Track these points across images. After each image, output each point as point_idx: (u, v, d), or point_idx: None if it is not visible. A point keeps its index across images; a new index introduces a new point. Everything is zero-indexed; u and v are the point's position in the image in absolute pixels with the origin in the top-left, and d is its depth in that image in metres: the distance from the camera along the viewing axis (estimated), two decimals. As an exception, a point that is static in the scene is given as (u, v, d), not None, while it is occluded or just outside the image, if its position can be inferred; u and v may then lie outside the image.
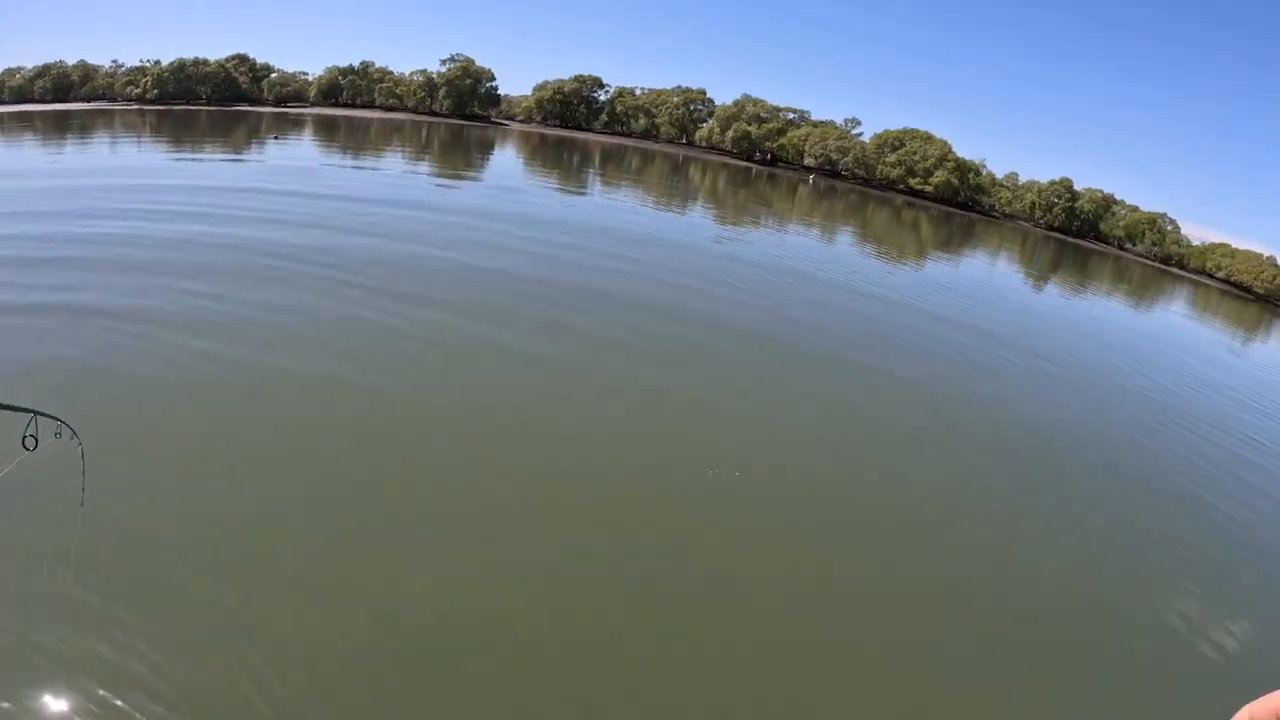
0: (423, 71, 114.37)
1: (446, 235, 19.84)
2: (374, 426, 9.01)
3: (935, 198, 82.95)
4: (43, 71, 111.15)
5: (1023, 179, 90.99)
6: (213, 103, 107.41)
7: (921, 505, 9.37)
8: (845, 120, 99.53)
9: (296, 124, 79.43)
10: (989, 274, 32.58)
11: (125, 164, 35.48)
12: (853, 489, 9.45)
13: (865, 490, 9.49)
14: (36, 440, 2.07)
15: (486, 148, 67.84)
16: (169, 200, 21.33)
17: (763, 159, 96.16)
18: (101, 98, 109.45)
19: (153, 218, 18.67)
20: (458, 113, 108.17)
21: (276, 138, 54.63)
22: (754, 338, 15.12)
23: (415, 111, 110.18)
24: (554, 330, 13.21)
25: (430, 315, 13.00)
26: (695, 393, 11.42)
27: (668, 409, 10.78)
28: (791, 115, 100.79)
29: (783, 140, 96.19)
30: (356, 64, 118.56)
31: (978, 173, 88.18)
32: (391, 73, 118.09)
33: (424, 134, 78.25)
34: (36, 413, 2.09)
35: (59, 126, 61.69)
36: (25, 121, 66.48)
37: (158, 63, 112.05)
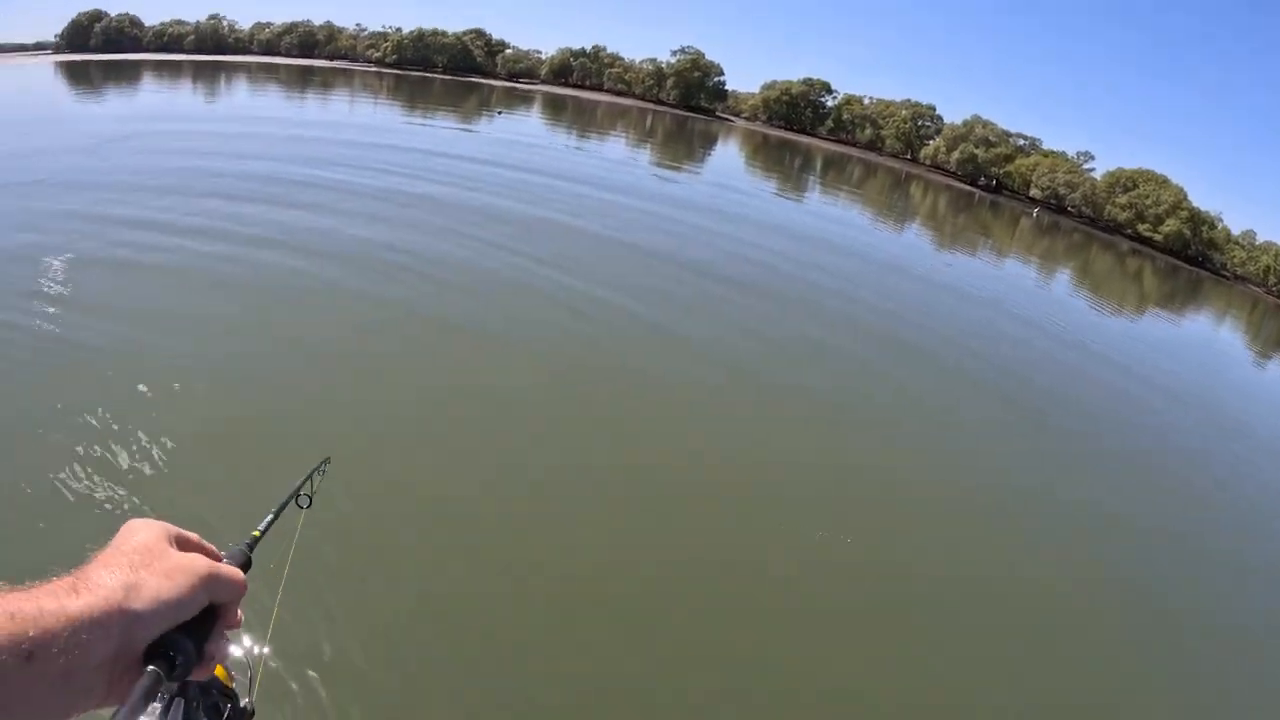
0: (652, 60, 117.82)
1: (649, 224, 20.60)
2: (523, 400, 9.33)
3: (1163, 248, 78.42)
4: (290, 29, 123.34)
5: (1260, 239, 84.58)
6: (447, 72, 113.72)
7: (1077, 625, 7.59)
8: (1078, 153, 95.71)
9: (525, 99, 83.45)
10: (1210, 340, 31.18)
11: (359, 121, 39.63)
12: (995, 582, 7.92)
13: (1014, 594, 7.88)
14: (311, 499, 1.90)
15: (709, 142, 69.40)
16: (391, 160, 23.90)
17: (987, 185, 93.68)
18: (343, 57, 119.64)
19: (366, 173, 20.94)
20: (683, 104, 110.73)
21: (501, 112, 57.75)
22: (936, 369, 14.18)
23: (642, 98, 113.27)
24: (734, 334, 13.23)
25: (615, 300, 13.42)
26: (851, 423, 10.94)
27: (822, 436, 10.21)
28: (1021, 142, 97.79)
29: (1009, 168, 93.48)
30: (588, 47, 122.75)
31: (1212, 226, 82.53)
32: (622, 59, 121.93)
33: (649, 122, 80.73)
34: (311, 475, 1.97)
35: (302, 80, 67.24)
36: (271, 72, 73.26)
37: (399, 30, 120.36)
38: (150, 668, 0.82)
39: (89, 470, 6.38)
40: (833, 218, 32.65)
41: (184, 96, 45.79)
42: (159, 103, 41.27)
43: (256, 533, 1.41)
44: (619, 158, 40.54)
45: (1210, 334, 33.09)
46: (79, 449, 6.63)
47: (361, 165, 22.06)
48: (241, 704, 1.40)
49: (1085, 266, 44.96)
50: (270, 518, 1.55)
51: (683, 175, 37.93)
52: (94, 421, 7.07)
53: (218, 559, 1.05)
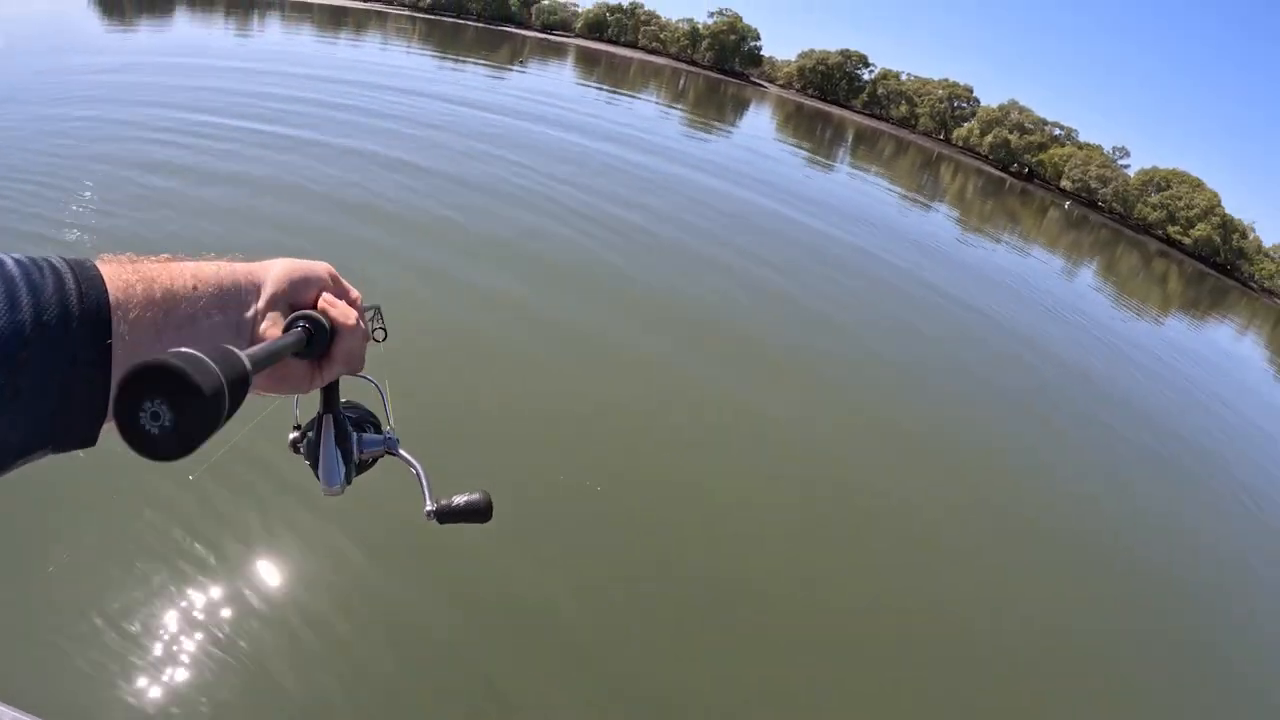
0: (690, 20, 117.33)
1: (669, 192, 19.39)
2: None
3: (1192, 252, 77.25)
4: None
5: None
6: (481, 20, 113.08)
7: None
8: (1113, 148, 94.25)
9: (558, 52, 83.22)
10: (1230, 348, 30.44)
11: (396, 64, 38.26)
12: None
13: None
14: (385, 331, 1.73)
15: (741, 106, 68.52)
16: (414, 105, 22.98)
17: (1019, 172, 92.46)
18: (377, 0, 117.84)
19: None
20: (717, 66, 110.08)
21: (523, 63, 56.68)
22: (937, 352, 13.07)
23: (676, 59, 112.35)
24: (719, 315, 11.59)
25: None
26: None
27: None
28: (1058, 131, 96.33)
29: (1042, 156, 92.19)
30: (625, 3, 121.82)
31: (1244, 235, 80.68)
32: (659, 17, 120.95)
33: (681, 82, 79.74)
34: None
35: (335, 21, 66.39)
36: (305, 12, 72.02)
37: None
38: (296, 328, 0.95)
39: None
40: (857, 189, 32.04)
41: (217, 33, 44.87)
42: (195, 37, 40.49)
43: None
44: (651, 115, 39.74)
45: (1230, 343, 32.25)
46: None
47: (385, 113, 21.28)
48: (385, 429, 1.38)
49: (1111, 264, 44.26)
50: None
51: (713, 137, 37.19)
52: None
53: None
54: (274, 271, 1.01)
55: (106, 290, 0.75)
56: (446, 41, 63.41)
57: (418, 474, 1.36)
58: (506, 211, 13.73)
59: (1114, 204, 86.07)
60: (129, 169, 11.40)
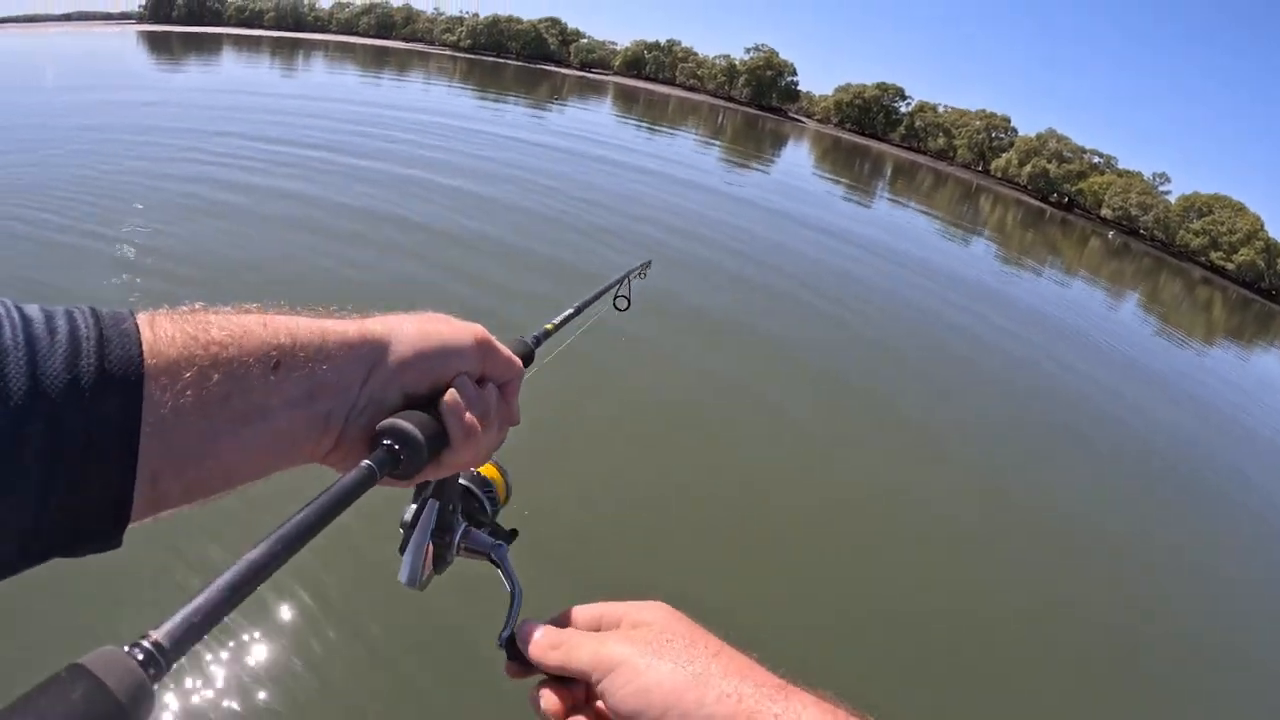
0: (726, 57, 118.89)
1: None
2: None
3: (1236, 278, 76.10)
4: (369, 9, 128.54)
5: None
6: (520, 58, 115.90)
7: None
8: (1153, 175, 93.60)
9: (597, 89, 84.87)
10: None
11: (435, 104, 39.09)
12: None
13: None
14: (629, 300, 1.74)
15: (779, 142, 69.19)
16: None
17: (1058, 202, 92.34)
18: (419, 40, 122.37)
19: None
20: (754, 102, 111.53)
21: (555, 99, 57.44)
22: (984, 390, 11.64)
23: (713, 95, 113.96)
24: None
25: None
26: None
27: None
28: (1097, 159, 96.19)
29: (1082, 185, 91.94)
30: (663, 41, 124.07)
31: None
32: (695, 53, 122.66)
33: (720, 119, 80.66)
34: (628, 276, 1.79)
35: (377, 60, 68.55)
36: (348, 51, 74.59)
37: (475, 15, 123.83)
38: (365, 462, 0.68)
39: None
40: (892, 223, 32.22)
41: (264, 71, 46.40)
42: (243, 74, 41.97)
43: (550, 325, 1.24)
44: (690, 148, 40.40)
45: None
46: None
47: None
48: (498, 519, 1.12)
49: (1154, 292, 44.04)
50: (570, 312, 1.36)
51: (750, 173, 37.65)
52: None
53: None
54: (398, 340, 0.79)
55: (142, 361, 0.60)
56: (487, 79, 65.09)
57: (512, 594, 1.05)
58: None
59: (1155, 231, 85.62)
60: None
